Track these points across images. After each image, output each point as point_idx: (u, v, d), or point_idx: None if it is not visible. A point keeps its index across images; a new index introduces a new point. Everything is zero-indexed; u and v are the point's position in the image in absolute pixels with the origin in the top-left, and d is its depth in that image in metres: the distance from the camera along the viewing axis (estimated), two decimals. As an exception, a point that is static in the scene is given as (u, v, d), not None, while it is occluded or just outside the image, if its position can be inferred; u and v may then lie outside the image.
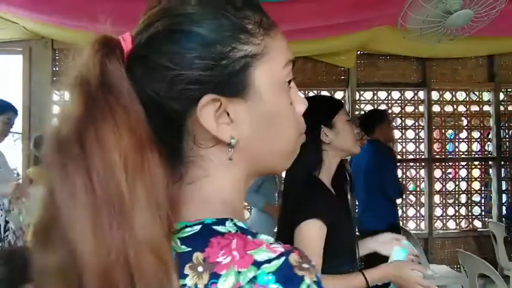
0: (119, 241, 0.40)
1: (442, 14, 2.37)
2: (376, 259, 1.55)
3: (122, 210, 0.41)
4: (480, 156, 4.63)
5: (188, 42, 0.47)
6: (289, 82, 0.54)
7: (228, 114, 0.49)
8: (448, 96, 4.51)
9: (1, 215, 2.62)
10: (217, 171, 0.52)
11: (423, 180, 4.44)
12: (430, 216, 4.34)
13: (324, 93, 4.33)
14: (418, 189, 4.51)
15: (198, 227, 0.47)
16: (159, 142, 0.47)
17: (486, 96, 4.55)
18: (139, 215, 0.41)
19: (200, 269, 0.44)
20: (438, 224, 4.45)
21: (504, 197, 4.48)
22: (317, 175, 1.45)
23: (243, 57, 0.49)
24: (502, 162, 4.50)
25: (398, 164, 4.31)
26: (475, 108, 4.60)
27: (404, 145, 4.46)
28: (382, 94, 4.44)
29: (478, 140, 4.66)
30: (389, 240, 1.53)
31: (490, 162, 4.60)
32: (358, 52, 4.25)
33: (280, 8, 2.87)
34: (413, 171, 4.50)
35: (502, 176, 4.51)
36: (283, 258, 0.43)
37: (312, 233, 1.33)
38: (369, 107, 4.34)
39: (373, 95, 4.41)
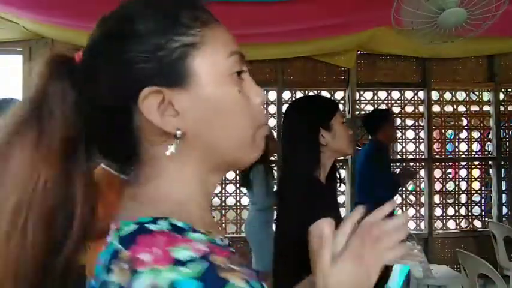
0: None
1: (435, 10, 2.34)
2: None
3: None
4: (480, 156, 4.63)
5: (120, 39, 0.49)
6: (239, 73, 0.54)
7: (173, 105, 0.50)
8: (448, 96, 4.51)
9: None
10: (170, 170, 0.53)
11: (423, 180, 4.44)
12: (430, 216, 4.34)
13: (324, 93, 4.33)
14: (418, 189, 4.51)
15: (134, 226, 0.47)
16: (112, 146, 0.52)
17: (486, 96, 4.55)
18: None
19: (124, 266, 0.43)
20: (438, 224, 4.45)
21: (504, 197, 4.48)
22: (318, 176, 1.46)
23: (179, 47, 0.50)
24: (502, 162, 4.49)
25: (398, 164, 4.32)
26: (475, 108, 4.59)
27: (404, 145, 4.46)
28: (382, 94, 4.44)
29: (478, 140, 4.66)
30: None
31: (490, 162, 4.59)
32: (358, 52, 4.25)
33: (280, 8, 2.87)
34: (413, 171, 4.50)
35: (502, 176, 4.50)
36: (206, 261, 0.42)
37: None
38: (369, 107, 4.33)
39: (373, 95, 4.40)
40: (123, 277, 0.43)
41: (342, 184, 4.33)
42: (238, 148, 0.54)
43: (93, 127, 0.51)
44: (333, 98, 4.29)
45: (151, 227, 0.46)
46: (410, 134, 4.48)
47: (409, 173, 3.81)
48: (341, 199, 4.29)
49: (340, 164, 4.26)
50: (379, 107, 4.32)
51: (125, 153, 0.53)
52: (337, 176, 1.61)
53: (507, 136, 4.54)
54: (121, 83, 0.49)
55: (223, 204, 4.21)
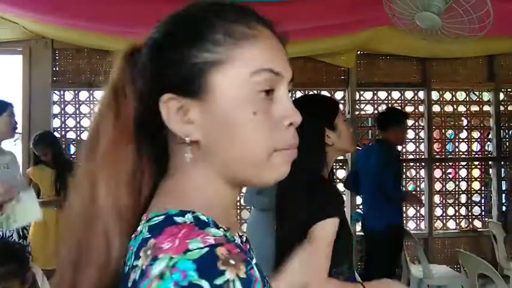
0: None
1: (415, 5, 2.34)
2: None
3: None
4: (480, 156, 4.63)
5: (157, 49, 0.55)
6: (269, 92, 0.54)
7: (188, 114, 0.53)
8: (448, 96, 4.51)
9: None
10: (189, 167, 0.55)
11: (423, 180, 4.44)
12: (430, 216, 4.34)
13: (324, 93, 4.33)
14: (418, 189, 4.51)
15: (162, 217, 0.51)
16: (148, 134, 0.57)
17: (486, 96, 4.55)
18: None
19: (148, 252, 0.47)
20: (438, 224, 4.45)
21: (504, 197, 4.47)
22: (324, 175, 1.45)
23: (200, 63, 0.52)
24: (502, 162, 4.50)
25: (399, 164, 4.32)
26: (475, 108, 4.60)
27: (404, 145, 4.45)
28: (382, 94, 4.44)
29: (478, 140, 4.66)
30: None
31: (490, 162, 4.60)
32: (358, 52, 4.25)
33: (280, 8, 2.87)
34: (413, 171, 4.50)
35: (502, 176, 4.51)
36: (208, 249, 0.44)
37: (333, 231, 1.31)
38: (369, 107, 4.34)
39: (373, 95, 4.41)
40: (145, 261, 0.46)
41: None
42: (249, 167, 0.54)
43: (142, 115, 0.56)
44: (333, 97, 4.30)
45: (178, 219, 0.50)
46: (410, 134, 4.48)
47: (414, 199, 3.80)
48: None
49: (341, 163, 4.26)
50: (378, 107, 4.33)
51: (160, 143, 0.58)
52: (332, 174, 1.62)
53: (507, 136, 4.54)
54: (153, 85, 0.55)
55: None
